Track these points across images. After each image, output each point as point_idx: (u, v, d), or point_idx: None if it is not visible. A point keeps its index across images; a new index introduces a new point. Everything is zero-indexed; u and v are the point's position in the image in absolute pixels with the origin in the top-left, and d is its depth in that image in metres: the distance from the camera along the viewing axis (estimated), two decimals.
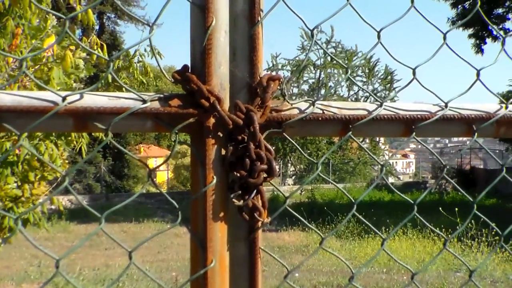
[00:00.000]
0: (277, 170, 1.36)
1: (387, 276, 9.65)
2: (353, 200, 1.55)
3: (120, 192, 31.00)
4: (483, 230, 11.55)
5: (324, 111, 1.40)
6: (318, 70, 34.25)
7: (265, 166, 1.30)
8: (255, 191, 1.30)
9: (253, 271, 1.36)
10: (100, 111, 1.21)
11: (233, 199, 1.29)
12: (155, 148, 46.10)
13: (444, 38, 1.56)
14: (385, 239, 1.65)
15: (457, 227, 11.18)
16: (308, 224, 1.78)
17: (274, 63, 33.91)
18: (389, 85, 34.25)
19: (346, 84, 33.59)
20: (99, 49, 6.60)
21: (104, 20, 35.54)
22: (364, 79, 33.90)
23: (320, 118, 1.39)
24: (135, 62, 7.17)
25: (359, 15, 1.48)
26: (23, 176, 6.26)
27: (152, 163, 39.87)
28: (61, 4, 6.63)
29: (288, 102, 1.39)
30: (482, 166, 32.02)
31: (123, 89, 1.34)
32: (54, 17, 5.79)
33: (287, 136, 1.39)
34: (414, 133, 1.47)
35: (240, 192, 1.30)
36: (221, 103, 1.28)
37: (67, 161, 7.38)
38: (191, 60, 1.32)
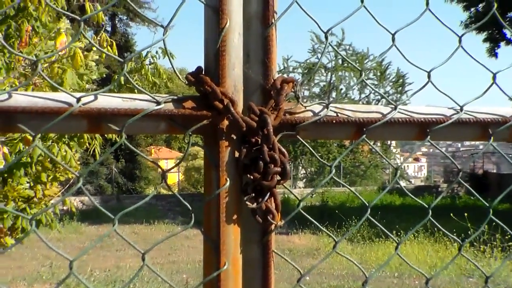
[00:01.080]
0: (290, 172, 1.36)
1: (399, 281, 9.62)
2: (366, 204, 1.54)
3: (131, 194, 31.15)
4: (496, 235, 11.47)
5: (338, 114, 1.40)
6: (329, 73, 34.31)
7: (278, 169, 1.29)
8: (268, 193, 1.29)
9: (266, 274, 1.36)
10: (114, 113, 1.22)
11: (247, 202, 1.29)
12: (166, 150, 46.20)
13: (460, 41, 1.55)
14: (399, 243, 1.64)
15: (469, 232, 11.23)
16: (322, 227, 1.77)
17: (286, 65, 34.05)
18: (400, 88, 34.21)
19: (357, 87, 33.53)
20: (109, 47, 6.62)
21: (116, 21, 35.75)
22: (376, 82, 33.89)
23: (334, 121, 1.38)
24: (147, 64, 7.19)
25: (373, 17, 1.48)
26: (35, 177, 6.29)
27: (162, 165, 39.91)
28: (73, 5, 6.65)
29: (302, 105, 1.38)
30: (495, 171, 31.79)
31: (135, 91, 1.35)
32: (66, 18, 5.83)
33: (300, 139, 1.39)
34: (428, 137, 1.46)
35: (253, 194, 1.29)
36: (235, 105, 1.27)
37: (79, 162, 7.41)
38: (204, 62, 1.32)
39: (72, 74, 5.59)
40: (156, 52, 7.36)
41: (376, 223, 1.76)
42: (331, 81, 34.62)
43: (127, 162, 33.30)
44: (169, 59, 1.37)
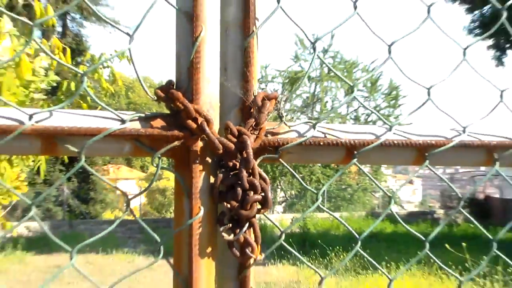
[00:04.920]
0: (271, 198, 1.36)
1: None
2: (357, 236, 1.55)
3: (85, 219, 30.78)
4: (497, 267, 11.59)
5: (326, 134, 1.40)
6: (314, 83, 34.19)
7: (259, 197, 1.29)
8: (247, 224, 1.29)
9: None
10: (73, 132, 1.20)
11: (223, 233, 1.29)
12: (126, 168, 45.86)
13: (464, 54, 1.57)
14: (392, 280, 1.65)
15: (466, 264, 11.36)
16: (304, 260, 1.77)
17: (264, 74, 33.83)
18: (394, 101, 34.22)
19: (346, 99, 33.76)
20: (61, 53, 6.57)
21: (68, 21, 35.32)
22: (366, 94, 33.87)
23: (321, 143, 1.39)
24: (100, 68, 7.09)
25: (367, 26, 1.49)
26: None
27: (121, 185, 39.77)
28: (17, 2, 6.59)
29: (286, 124, 1.39)
30: (498, 195, 32.08)
31: (85, 104, 1.34)
32: (7, 16, 5.75)
33: (283, 163, 1.39)
34: (427, 161, 1.47)
35: (230, 225, 1.30)
36: (210, 124, 1.27)
37: (25, 183, 7.35)
38: (176, 75, 1.32)
39: (12, 80, 5.47)
40: (111, 55, 7.18)
41: (366, 255, 1.77)
42: (315, 93, 34.54)
43: (81, 183, 32.93)
44: (135, 70, 1.36)
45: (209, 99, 1.30)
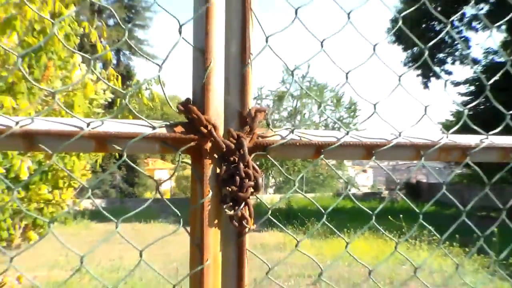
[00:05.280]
0: (263, 184, 1.34)
1: (349, 269, 9.63)
2: (323, 211, 1.53)
3: (131, 197, 30.85)
4: (424, 231, 11.75)
5: (301, 137, 1.39)
6: (295, 100, 34.53)
7: (252, 183, 1.28)
8: (243, 203, 1.28)
9: (241, 268, 1.35)
10: (117, 135, 1.19)
11: (225, 210, 1.28)
12: (160, 161, 45.79)
13: (399, 80, 1.56)
14: (348, 243, 1.64)
15: (403, 229, 11.45)
16: (285, 229, 1.76)
17: (260, 93, 34.13)
18: (353, 113, 34.63)
19: (318, 112, 33.84)
20: (115, 80, 6.64)
21: (121, 56, 35.65)
22: (333, 108, 34.20)
23: (297, 144, 1.38)
24: (143, 89, 7.11)
25: (330, 59, 1.48)
26: (54, 183, 6.33)
27: (157, 174, 39.88)
28: (85, 42, 6.65)
29: (272, 130, 1.38)
30: (425, 180, 32.16)
31: (131, 115, 1.33)
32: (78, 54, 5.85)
33: (270, 158, 1.38)
34: (374, 157, 1.46)
35: (231, 204, 1.28)
36: (217, 130, 1.26)
37: (89, 171, 7.39)
38: (192, 94, 1.30)
39: (81, 99, 5.60)
40: (159, 78, 7.23)
41: (330, 225, 1.76)
42: (297, 107, 34.86)
43: (128, 171, 33.00)
44: (163, 90, 1.35)
45: (216, 112, 1.29)
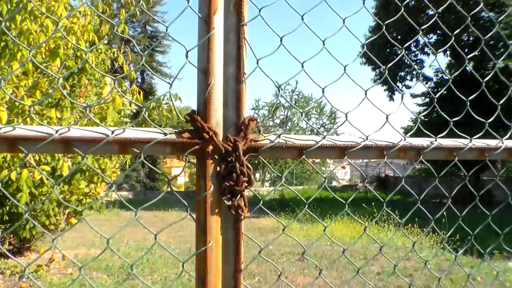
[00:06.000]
0: (255, 179, 1.34)
1: (331, 247, 9.62)
2: (305, 201, 1.53)
3: (153, 190, 30.87)
4: (391, 216, 11.77)
5: (287, 141, 1.39)
6: (286, 110, 34.64)
7: (246, 179, 1.28)
8: (239, 195, 1.28)
9: (238, 249, 1.34)
10: (136, 141, 1.19)
11: (224, 200, 1.27)
12: (176, 161, 45.71)
13: (365, 94, 1.56)
14: (326, 227, 1.64)
15: (374, 215, 11.49)
16: (274, 216, 1.75)
17: (257, 104, 34.26)
18: (333, 120, 34.79)
19: (305, 119, 34.11)
20: (137, 94, 6.72)
21: (145, 75, 35.69)
22: (317, 116, 34.33)
23: (283, 146, 1.37)
24: (164, 103, 7.16)
25: (310, 77, 1.48)
26: (90, 179, 6.41)
27: (174, 170, 39.97)
28: (115, 64, 6.71)
29: (262, 135, 1.37)
30: (392, 174, 32.16)
31: (147, 124, 1.33)
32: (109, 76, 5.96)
33: (261, 158, 1.38)
34: (346, 156, 1.46)
35: (229, 196, 1.28)
36: (217, 136, 1.26)
37: (118, 169, 7.42)
38: (197, 106, 1.30)
39: (113, 112, 5.77)
40: (171, 95, 7.29)
41: (311, 213, 1.75)
42: (287, 115, 34.97)
43: (150, 169, 32.99)
44: (172, 104, 1.36)
45: (216, 121, 1.29)
